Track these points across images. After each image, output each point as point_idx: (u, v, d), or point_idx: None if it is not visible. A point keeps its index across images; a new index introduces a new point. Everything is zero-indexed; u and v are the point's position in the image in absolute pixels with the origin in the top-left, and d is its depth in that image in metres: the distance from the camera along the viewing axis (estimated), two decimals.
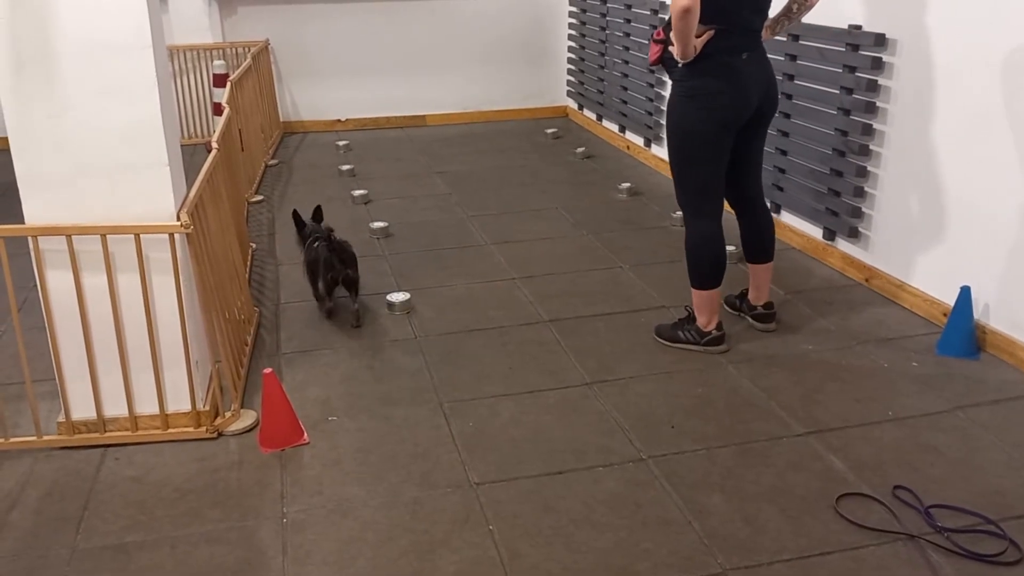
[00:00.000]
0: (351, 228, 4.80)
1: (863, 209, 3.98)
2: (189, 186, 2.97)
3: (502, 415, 3.03)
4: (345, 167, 6.10)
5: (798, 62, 4.25)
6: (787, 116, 4.37)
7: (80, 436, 2.88)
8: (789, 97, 4.34)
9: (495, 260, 4.44)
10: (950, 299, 3.44)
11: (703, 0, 2.90)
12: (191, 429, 2.92)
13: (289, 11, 6.99)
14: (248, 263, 4.24)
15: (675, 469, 2.71)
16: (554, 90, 7.71)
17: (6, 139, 2.62)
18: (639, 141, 6.27)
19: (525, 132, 7.19)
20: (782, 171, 4.50)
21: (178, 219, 2.74)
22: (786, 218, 4.58)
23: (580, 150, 6.44)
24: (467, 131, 7.27)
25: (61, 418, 2.89)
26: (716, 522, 2.46)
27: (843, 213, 4.06)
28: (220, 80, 6.12)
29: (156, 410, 2.90)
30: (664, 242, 4.59)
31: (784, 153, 4.46)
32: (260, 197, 5.53)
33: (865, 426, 2.92)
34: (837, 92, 3.99)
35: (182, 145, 3.15)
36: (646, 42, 5.72)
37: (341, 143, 6.79)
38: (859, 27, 3.84)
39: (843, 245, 4.17)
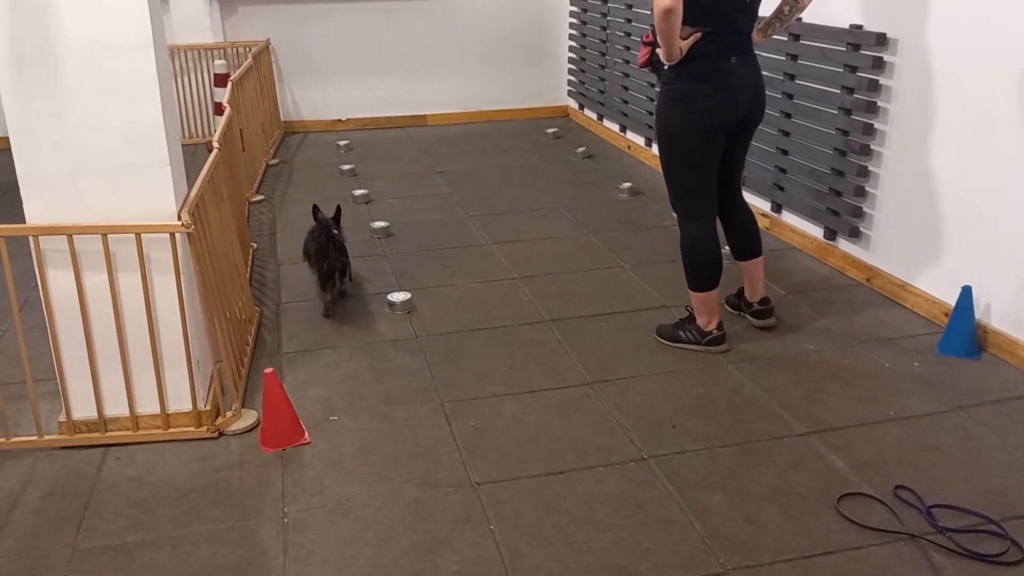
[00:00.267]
0: (352, 228, 4.79)
1: (864, 209, 3.98)
2: (190, 186, 2.97)
3: (503, 415, 3.03)
4: (346, 167, 6.10)
5: (799, 61, 4.25)
6: (788, 116, 4.37)
7: (81, 436, 2.88)
8: (790, 97, 4.34)
9: (496, 260, 4.44)
10: (951, 299, 3.43)
11: (689, 2, 2.89)
12: (192, 429, 2.92)
13: (290, 11, 6.99)
14: (249, 263, 4.24)
15: (676, 469, 2.71)
16: (555, 90, 7.70)
17: (7, 139, 2.63)
18: (640, 141, 6.27)
19: (526, 132, 7.18)
20: (783, 171, 4.49)
21: (179, 219, 2.74)
22: (787, 218, 4.58)
23: (581, 150, 6.44)
24: (468, 131, 7.27)
25: (62, 418, 2.89)
26: (717, 522, 2.46)
27: (844, 213, 4.06)
28: (221, 80, 6.11)
29: (157, 410, 2.90)
30: (665, 242, 4.58)
31: (785, 153, 4.46)
32: (261, 197, 5.53)
33: (866, 426, 2.92)
34: (838, 92, 3.98)
35: (183, 145, 3.14)
36: None
37: (342, 143, 6.79)
38: (860, 27, 3.84)
39: (844, 245, 4.17)
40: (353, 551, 2.38)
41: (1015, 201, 3.21)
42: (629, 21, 6.18)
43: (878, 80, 3.78)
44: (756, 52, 3.29)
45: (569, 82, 7.58)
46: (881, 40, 3.73)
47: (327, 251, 3.76)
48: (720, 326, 3.43)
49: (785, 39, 4.26)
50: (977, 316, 3.37)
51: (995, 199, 3.30)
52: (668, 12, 2.86)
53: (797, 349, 3.45)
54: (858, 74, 3.86)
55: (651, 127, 5.97)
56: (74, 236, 2.67)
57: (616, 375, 3.28)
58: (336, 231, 3.88)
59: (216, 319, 2.93)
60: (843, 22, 3.92)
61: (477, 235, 4.79)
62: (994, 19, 3.22)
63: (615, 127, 6.69)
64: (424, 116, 7.50)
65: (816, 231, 4.35)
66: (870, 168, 3.91)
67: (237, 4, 6.91)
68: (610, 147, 6.64)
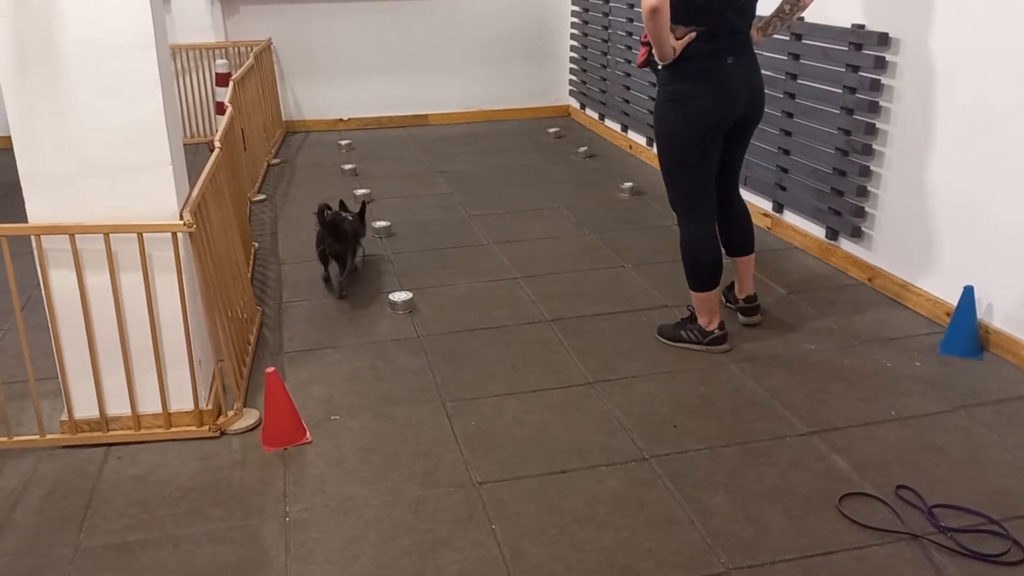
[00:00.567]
0: None
1: (866, 208, 3.98)
2: (192, 185, 2.97)
3: (505, 414, 3.03)
4: (347, 166, 6.10)
5: (801, 61, 4.25)
6: (790, 115, 4.37)
7: (83, 435, 2.88)
8: (792, 96, 4.34)
9: (497, 259, 4.44)
10: (953, 299, 3.43)
11: (682, 1, 2.88)
12: (194, 428, 2.92)
13: (291, 10, 7.00)
14: (251, 262, 4.24)
15: (678, 468, 2.71)
16: (556, 89, 7.70)
17: (9, 138, 2.63)
18: (641, 140, 6.27)
19: (527, 131, 7.18)
20: (785, 170, 4.49)
21: (181, 218, 2.74)
22: (789, 217, 4.58)
23: (582, 149, 6.44)
24: (469, 130, 7.27)
25: (64, 417, 2.89)
26: (719, 522, 2.46)
27: (846, 212, 4.06)
28: (223, 79, 6.11)
29: (159, 409, 2.90)
30: (666, 241, 4.58)
31: (787, 152, 4.46)
32: (262, 196, 5.53)
33: (868, 426, 2.92)
34: (840, 91, 3.98)
35: (185, 144, 3.15)
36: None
37: (343, 142, 6.79)
38: (862, 26, 3.84)
39: (846, 244, 4.17)
40: (355, 550, 2.38)
41: (1017, 201, 3.21)
42: (631, 20, 6.19)
43: (880, 80, 3.77)
44: (757, 52, 3.29)
45: (571, 82, 7.58)
46: (883, 40, 3.72)
47: (323, 237, 4.01)
48: (722, 326, 3.43)
49: (787, 38, 4.26)
50: (979, 316, 3.36)
51: (997, 199, 3.29)
52: (654, 11, 2.86)
53: (799, 349, 3.45)
54: (860, 74, 3.85)
55: (652, 127, 5.96)
56: (76, 235, 2.67)
57: (617, 375, 3.28)
58: (349, 217, 4.14)
59: (218, 318, 2.93)
60: (845, 22, 3.92)
61: (478, 235, 4.80)
62: (996, 19, 3.22)
63: (616, 127, 6.69)
64: (426, 116, 7.50)
65: (818, 231, 4.35)
66: (872, 168, 3.91)
67: (239, 4, 6.91)
68: (611, 147, 6.64)
